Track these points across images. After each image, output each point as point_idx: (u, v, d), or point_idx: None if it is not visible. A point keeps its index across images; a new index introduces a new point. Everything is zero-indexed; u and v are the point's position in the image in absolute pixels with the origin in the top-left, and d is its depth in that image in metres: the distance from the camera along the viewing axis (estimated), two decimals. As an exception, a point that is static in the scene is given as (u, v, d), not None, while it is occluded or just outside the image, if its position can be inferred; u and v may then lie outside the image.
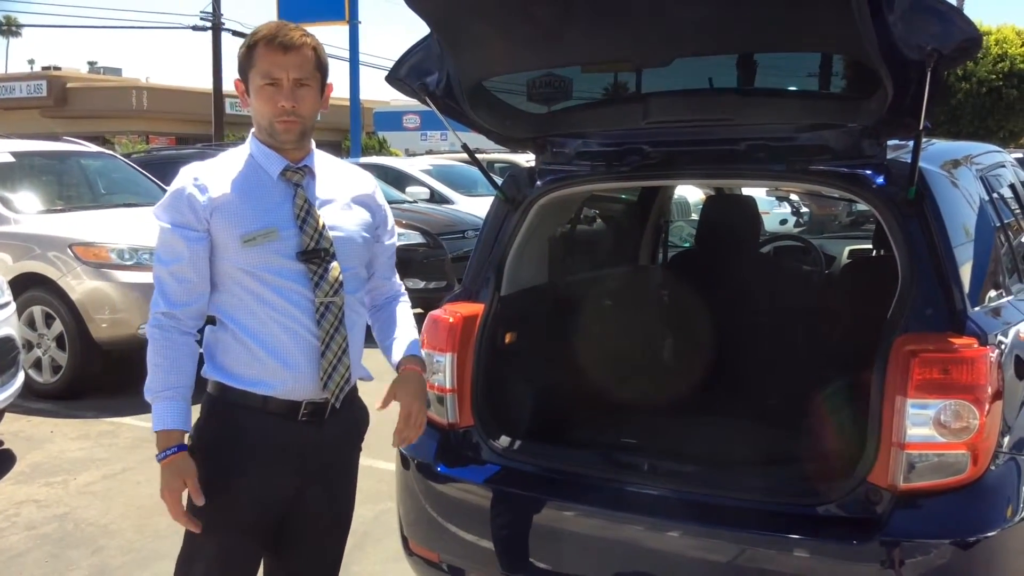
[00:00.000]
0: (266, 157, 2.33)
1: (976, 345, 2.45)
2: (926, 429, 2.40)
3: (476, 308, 3.13)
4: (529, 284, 3.39)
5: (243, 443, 2.29)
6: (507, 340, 3.28)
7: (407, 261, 9.16)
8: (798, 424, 3.42)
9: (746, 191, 4.79)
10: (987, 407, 2.40)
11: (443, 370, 3.05)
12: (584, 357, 3.74)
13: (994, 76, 26.17)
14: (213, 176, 2.30)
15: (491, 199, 3.37)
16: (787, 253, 4.97)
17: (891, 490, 2.42)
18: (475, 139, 3.41)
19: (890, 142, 2.81)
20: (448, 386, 3.05)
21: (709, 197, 4.57)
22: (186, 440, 2.26)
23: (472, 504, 2.97)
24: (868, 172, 2.73)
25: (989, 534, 2.39)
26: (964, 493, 2.42)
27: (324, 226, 2.31)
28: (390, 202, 10.05)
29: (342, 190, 2.42)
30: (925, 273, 2.56)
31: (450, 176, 12.71)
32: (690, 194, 11.24)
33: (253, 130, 2.36)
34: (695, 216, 7.84)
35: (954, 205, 2.81)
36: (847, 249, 5.42)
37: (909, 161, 2.58)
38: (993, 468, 2.46)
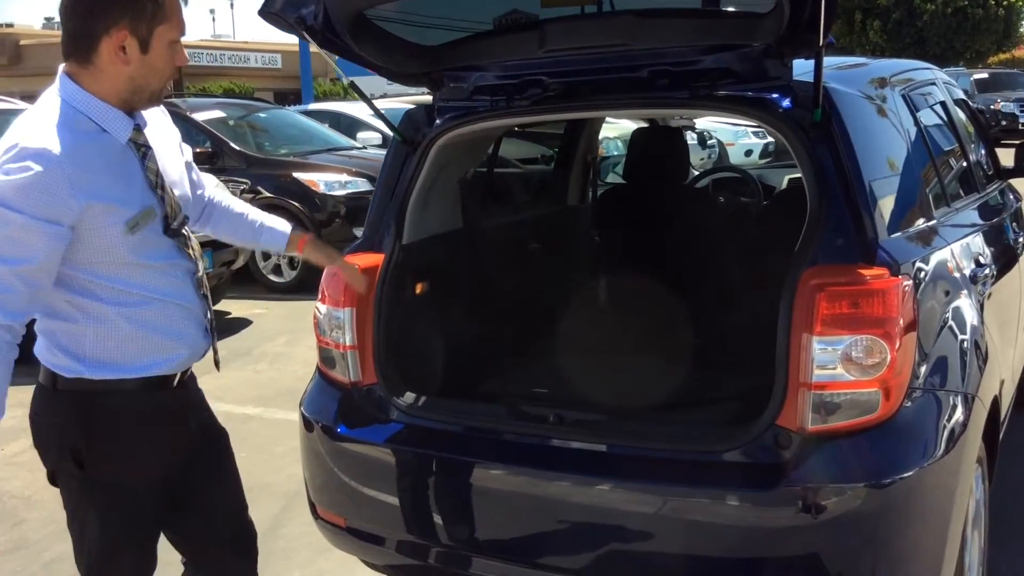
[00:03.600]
0: (113, 119, 2.00)
1: (887, 276, 2.29)
2: (835, 367, 2.26)
3: (377, 259, 2.95)
4: (439, 230, 3.20)
5: (135, 429, 2.12)
6: (418, 291, 3.11)
7: (356, 209, 8.92)
8: (722, 365, 3.29)
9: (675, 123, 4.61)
10: (898, 341, 2.26)
11: (342, 326, 2.87)
12: (508, 305, 3.58)
13: (960, -4, 25.91)
14: (72, 150, 1.90)
15: None
16: (725, 185, 4.80)
17: (800, 432, 2.28)
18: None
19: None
20: (348, 343, 2.87)
21: (636, 130, 4.38)
22: None
23: (375, 465, 2.82)
24: (774, 95, 2.55)
25: (905, 474, 2.26)
26: (877, 432, 2.28)
27: (172, 191, 2.10)
28: (338, 150, 9.70)
29: (165, 139, 2.18)
30: (835, 201, 2.40)
31: (404, 120, 12.37)
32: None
33: (73, 83, 1.97)
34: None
35: (868, 127, 2.64)
36: (787, 178, 5.26)
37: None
38: (908, 404, 2.32)
